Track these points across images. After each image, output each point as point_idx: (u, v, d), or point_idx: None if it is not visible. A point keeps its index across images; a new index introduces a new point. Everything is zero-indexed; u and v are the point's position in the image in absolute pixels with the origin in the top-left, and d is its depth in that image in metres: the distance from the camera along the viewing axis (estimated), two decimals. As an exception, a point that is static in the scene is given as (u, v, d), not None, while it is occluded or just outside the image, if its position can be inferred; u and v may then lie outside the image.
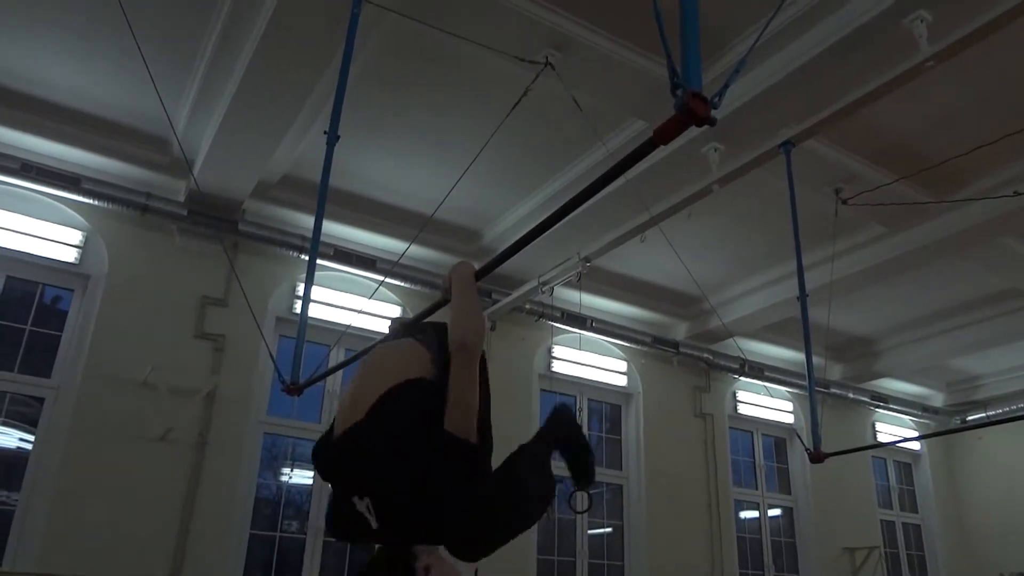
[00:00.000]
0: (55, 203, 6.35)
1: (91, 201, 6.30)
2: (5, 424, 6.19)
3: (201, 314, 6.79)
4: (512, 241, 7.64)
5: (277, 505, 7.17)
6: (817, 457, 5.14)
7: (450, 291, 2.37)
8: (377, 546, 2.12)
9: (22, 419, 6.26)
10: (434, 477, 2.06)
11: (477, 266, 2.46)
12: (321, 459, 2.34)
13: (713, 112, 1.53)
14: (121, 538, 5.95)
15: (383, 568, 2.01)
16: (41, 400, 6.22)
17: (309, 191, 6.80)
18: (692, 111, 1.49)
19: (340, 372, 7.25)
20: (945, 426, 12.15)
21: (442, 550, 2.08)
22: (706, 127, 1.59)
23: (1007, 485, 11.41)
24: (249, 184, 6.54)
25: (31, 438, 6.18)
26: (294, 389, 3.50)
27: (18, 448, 6.23)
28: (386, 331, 3.01)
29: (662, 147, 5.31)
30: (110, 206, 6.37)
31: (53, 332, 6.42)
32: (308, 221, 7.02)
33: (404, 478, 2.05)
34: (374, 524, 2.05)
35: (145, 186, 6.53)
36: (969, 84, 5.54)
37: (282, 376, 3.56)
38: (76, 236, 6.43)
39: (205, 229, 6.62)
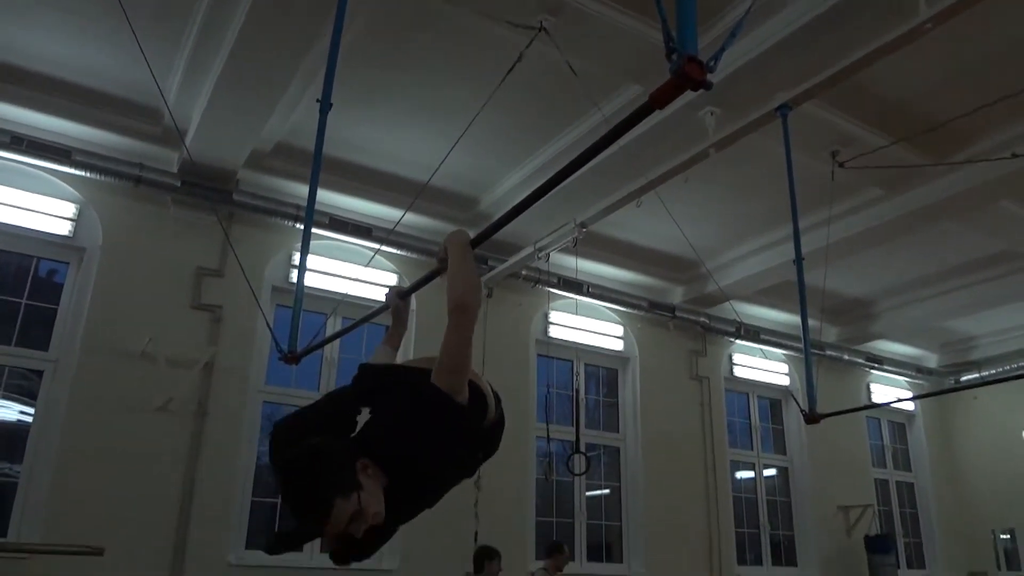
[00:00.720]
0: (47, 176, 6.31)
1: (84, 173, 6.26)
2: (5, 397, 6.22)
3: (197, 285, 6.79)
4: (509, 207, 7.63)
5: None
6: (812, 418, 5.19)
7: (446, 260, 2.37)
8: None
9: (22, 392, 6.30)
10: (412, 421, 2.14)
11: (473, 233, 2.45)
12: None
13: (709, 76, 1.51)
14: (124, 508, 6.02)
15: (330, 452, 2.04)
16: (40, 373, 6.24)
17: (303, 159, 6.75)
18: (688, 75, 1.47)
19: (338, 341, 7.31)
20: (939, 386, 12.24)
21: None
22: (702, 91, 1.58)
23: (1000, 444, 11.56)
24: (242, 153, 6.49)
25: (31, 411, 6.21)
26: (292, 358, 3.50)
27: (18, 421, 6.27)
28: (383, 300, 3.02)
29: (658, 112, 5.27)
30: (103, 178, 6.33)
31: (49, 305, 6.42)
32: (303, 190, 6.97)
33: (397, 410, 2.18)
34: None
35: (138, 157, 6.47)
36: (968, 46, 5.48)
37: (279, 345, 3.56)
38: (70, 209, 6.40)
39: (199, 199, 6.58)
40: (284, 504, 2.12)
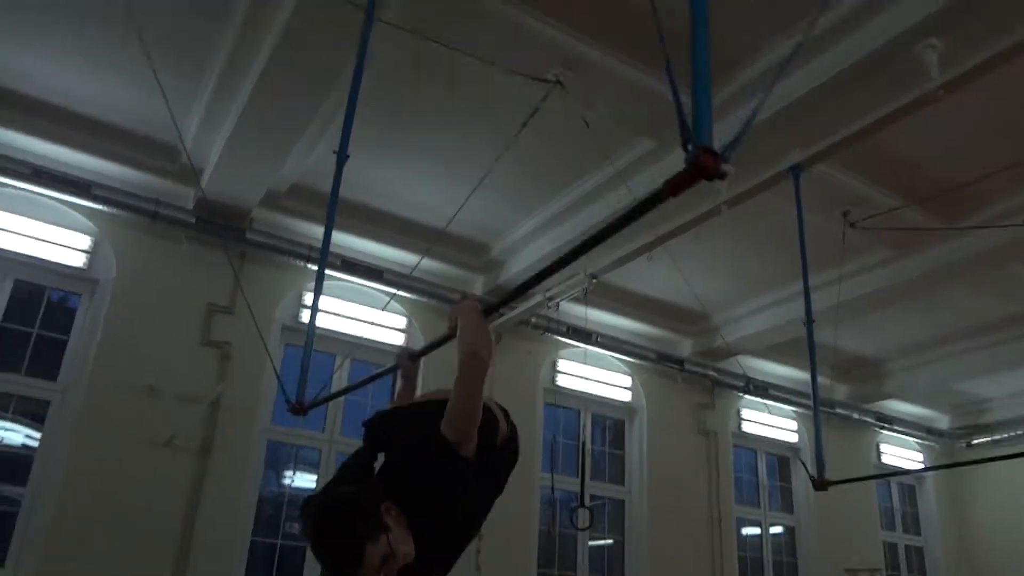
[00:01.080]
0: (65, 208, 6.39)
1: (101, 207, 6.34)
2: (12, 420, 6.23)
3: (208, 321, 6.81)
4: (520, 254, 7.64)
5: (279, 511, 7.18)
6: (821, 485, 5.11)
7: (456, 327, 2.41)
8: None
9: (28, 415, 6.30)
10: (423, 464, 2.23)
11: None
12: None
13: (724, 166, 1.53)
14: (124, 541, 5.97)
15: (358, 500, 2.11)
16: (47, 403, 6.25)
17: (317, 201, 6.83)
18: (703, 166, 1.50)
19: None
20: (950, 449, 12.09)
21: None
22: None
23: (1012, 509, 11.32)
24: (257, 193, 6.57)
25: (37, 435, 6.22)
26: (300, 409, 3.50)
27: (24, 445, 6.27)
28: (391, 344, 3.07)
29: (670, 164, 5.29)
30: (119, 212, 6.41)
31: (60, 336, 6.45)
32: (316, 230, 7.05)
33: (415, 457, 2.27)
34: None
35: (154, 193, 6.55)
36: (980, 111, 5.51)
37: (287, 396, 3.56)
38: (85, 241, 6.47)
39: (212, 237, 6.64)
40: (318, 561, 2.09)
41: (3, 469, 6.14)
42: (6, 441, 6.21)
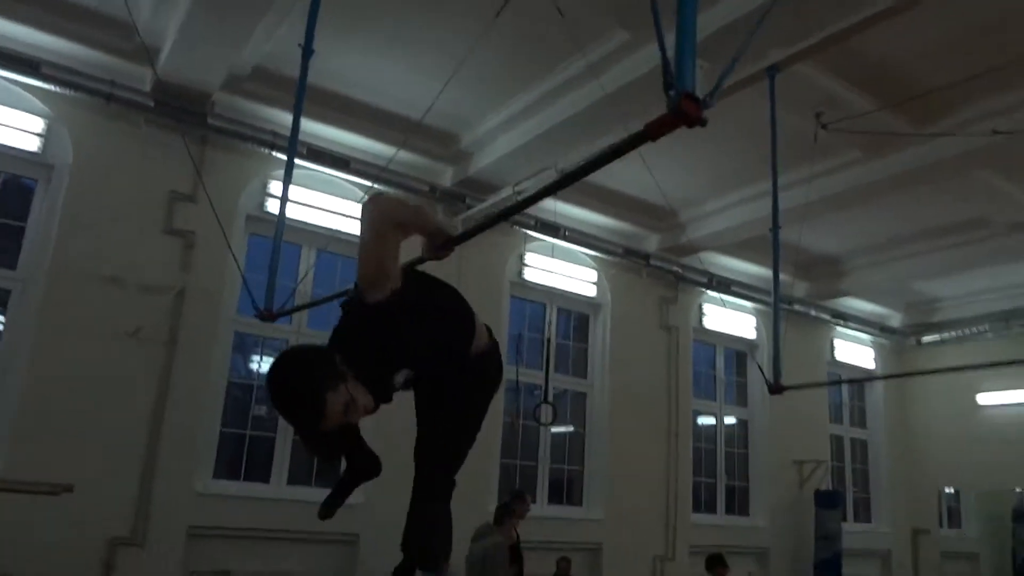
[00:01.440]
0: (15, 88, 6.09)
1: (53, 87, 6.05)
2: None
3: (170, 209, 6.67)
4: (489, 147, 7.50)
5: (248, 398, 7.27)
6: (777, 389, 5.29)
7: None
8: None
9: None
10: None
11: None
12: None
13: (704, 112, 1.52)
14: (92, 435, 6.02)
15: None
16: (8, 292, 6.15)
17: (282, 85, 6.58)
18: (684, 112, 1.50)
19: (311, 275, 7.28)
20: (901, 346, 12.54)
21: None
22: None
23: (955, 406, 11.86)
24: (218, 76, 6.31)
25: (1, 319, 6.15)
26: (269, 316, 3.51)
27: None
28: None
29: (645, 58, 5.17)
30: (73, 93, 6.11)
31: (17, 223, 6.28)
32: (280, 116, 6.84)
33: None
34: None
35: (109, 73, 6.25)
36: (960, 15, 5.44)
37: (255, 302, 3.55)
38: (38, 124, 6.20)
39: (172, 121, 6.40)
40: (283, 418, 2.21)
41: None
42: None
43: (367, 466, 2.68)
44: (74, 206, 6.25)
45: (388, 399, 2.28)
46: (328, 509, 2.66)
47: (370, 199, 2.32)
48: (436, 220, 2.49)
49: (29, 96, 6.15)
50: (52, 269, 6.10)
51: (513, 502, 7.38)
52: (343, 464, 2.76)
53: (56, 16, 5.91)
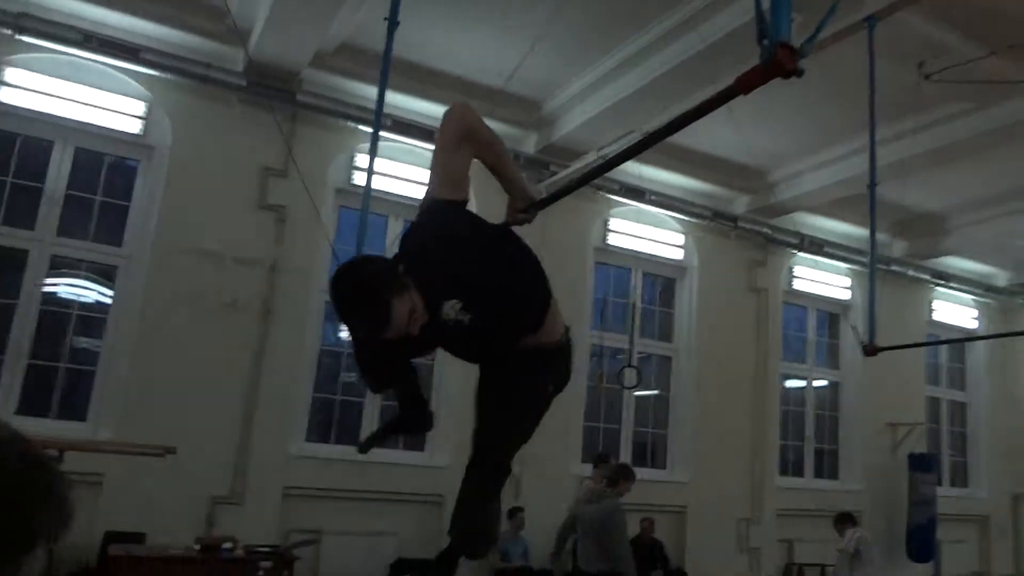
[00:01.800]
0: (117, 74, 6.35)
1: (151, 72, 6.29)
2: (86, 279, 6.53)
3: (263, 185, 6.87)
4: (572, 112, 7.41)
5: (338, 365, 7.49)
6: (872, 351, 5.13)
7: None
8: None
9: (101, 274, 6.57)
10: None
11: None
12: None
13: (800, 62, 1.44)
14: (193, 399, 6.35)
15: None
16: (115, 268, 6.48)
17: (367, 60, 6.64)
18: (780, 63, 1.43)
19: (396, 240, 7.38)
20: (1007, 305, 11.94)
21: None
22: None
23: (1063, 368, 11.27)
24: (306, 54, 6.42)
25: (110, 292, 6.52)
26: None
27: (97, 303, 6.57)
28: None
29: (738, 11, 4.98)
30: (170, 77, 6.35)
31: (122, 202, 6.58)
32: (366, 90, 6.91)
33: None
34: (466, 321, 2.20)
35: (204, 56, 6.46)
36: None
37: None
38: (140, 107, 6.47)
39: (264, 99, 6.55)
40: (349, 327, 2.15)
41: (81, 325, 6.47)
42: (82, 299, 6.50)
43: (418, 416, 2.59)
44: (173, 185, 6.51)
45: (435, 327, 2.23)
46: (365, 446, 2.65)
47: (453, 105, 2.31)
48: (513, 167, 2.46)
49: (130, 81, 6.41)
50: (154, 245, 6.40)
51: (598, 463, 7.39)
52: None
53: (152, 3, 6.11)
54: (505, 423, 2.47)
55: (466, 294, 2.20)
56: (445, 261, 2.17)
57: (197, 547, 5.45)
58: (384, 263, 2.14)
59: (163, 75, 6.32)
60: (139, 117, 6.45)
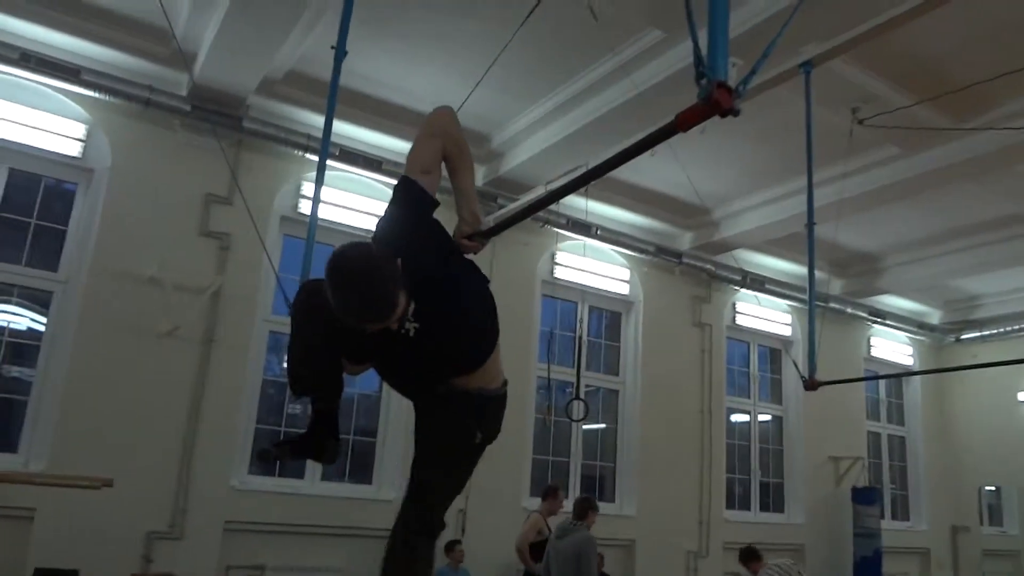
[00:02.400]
0: (56, 94, 6.23)
1: (92, 93, 6.17)
2: (18, 305, 6.32)
3: (206, 211, 6.78)
4: (521, 146, 7.46)
5: (282, 395, 7.36)
6: (811, 385, 5.24)
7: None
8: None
9: (34, 300, 6.37)
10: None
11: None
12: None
13: (736, 102, 1.50)
14: (131, 430, 6.17)
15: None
16: (50, 293, 6.30)
17: (315, 88, 6.66)
18: (717, 102, 1.48)
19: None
20: (940, 343, 12.33)
21: None
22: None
23: (995, 403, 11.66)
24: (253, 80, 6.39)
25: (43, 319, 6.32)
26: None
27: (29, 329, 6.37)
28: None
29: (678, 55, 5.12)
30: (112, 99, 6.24)
31: (58, 226, 6.43)
32: (313, 119, 6.92)
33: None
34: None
35: (148, 79, 6.37)
36: (999, 10, 5.32)
37: (287, 297, 3.58)
38: (79, 129, 6.34)
39: (208, 124, 6.49)
40: (348, 311, 2.08)
41: (12, 352, 6.26)
42: (13, 326, 6.30)
43: (325, 443, 2.48)
44: (113, 209, 6.38)
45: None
46: (264, 454, 2.55)
47: (442, 106, 2.53)
48: (471, 183, 2.56)
49: (70, 102, 6.30)
50: (92, 270, 6.24)
51: (546, 498, 7.42)
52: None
53: (95, 23, 6.04)
54: (434, 480, 2.44)
55: (422, 303, 2.21)
56: (413, 263, 2.18)
57: (131, 584, 5.26)
58: (388, 253, 2.14)
59: (104, 97, 6.21)
60: (78, 139, 6.32)
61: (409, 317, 2.20)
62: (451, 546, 7.12)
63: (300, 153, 7.07)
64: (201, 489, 6.41)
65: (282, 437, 2.64)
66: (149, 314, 6.34)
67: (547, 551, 6.54)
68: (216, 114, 6.55)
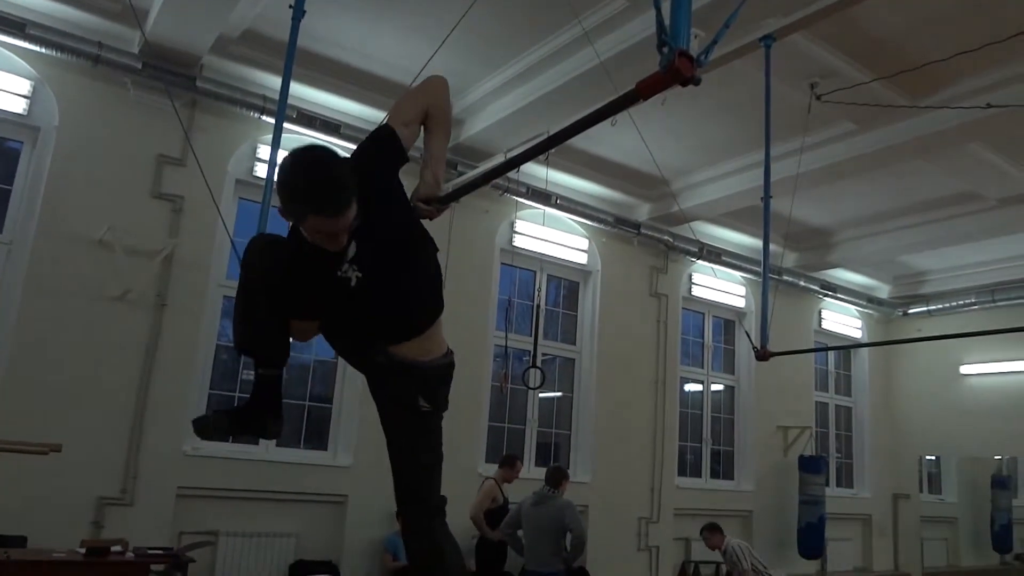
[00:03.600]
0: (0, 49, 5.98)
1: (39, 48, 5.93)
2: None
3: (158, 173, 6.61)
4: (481, 114, 7.43)
5: (236, 362, 7.28)
6: (763, 356, 5.34)
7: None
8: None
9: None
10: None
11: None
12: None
13: (697, 72, 1.50)
14: (80, 396, 6.05)
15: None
16: (-7, 254, 6.12)
17: (272, 49, 6.51)
18: (678, 70, 1.48)
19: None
20: (887, 317, 12.67)
21: None
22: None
23: (937, 375, 12.04)
24: (208, 38, 6.21)
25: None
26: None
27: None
28: None
29: (641, 27, 5.13)
30: (59, 54, 6.01)
31: (3, 186, 6.22)
32: (270, 80, 6.78)
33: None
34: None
35: (96, 35, 6.15)
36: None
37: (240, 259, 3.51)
38: (24, 85, 6.10)
39: (161, 84, 6.30)
40: (302, 198, 2.08)
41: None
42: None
43: (268, 414, 2.46)
44: (60, 169, 6.19)
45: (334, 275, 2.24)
46: (201, 422, 2.47)
47: (438, 76, 2.58)
48: (442, 150, 2.57)
49: (14, 57, 6.06)
50: (39, 232, 6.06)
51: (503, 465, 7.51)
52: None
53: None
54: (412, 477, 2.45)
55: (371, 251, 2.23)
56: (370, 201, 2.21)
57: (82, 550, 5.19)
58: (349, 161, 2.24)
59: (51, 52, 5.98)
60: (24, 96, 6.09)
61: (352, 259, 2.22)
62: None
63: (256, 115, 6.91)
64: (153, 455, 6.33)
65: (222, 414, 2.56)
66: (99, 278, 6.19)
67: (517, 516, 6.79)
68: (169, 73, 6.36)
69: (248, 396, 2.50)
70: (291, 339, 2.43)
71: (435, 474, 2.48)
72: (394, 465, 2.45)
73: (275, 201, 5.25)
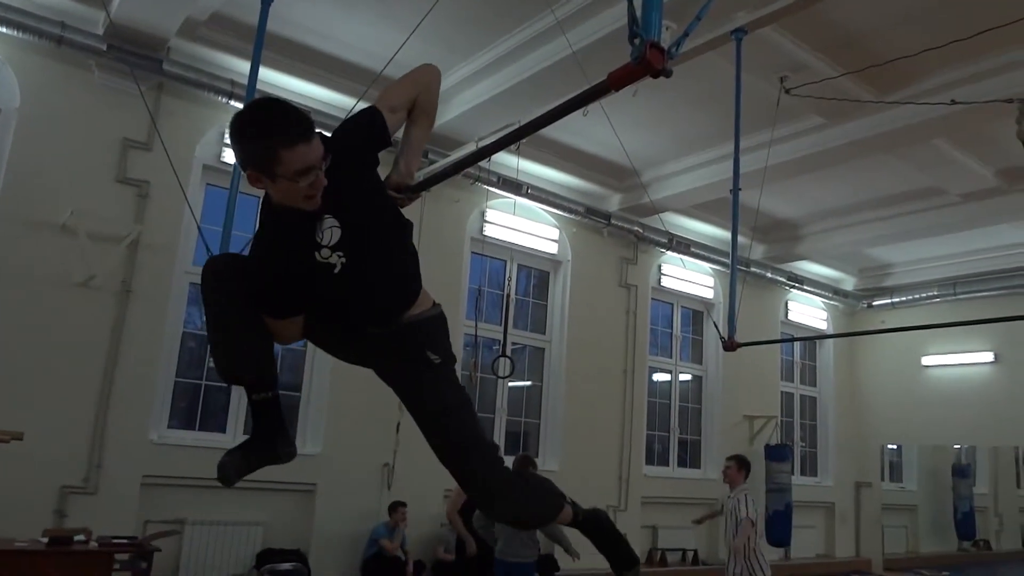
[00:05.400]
0: (-42, 27, 5.83)
1: (0, 28, 5.79)
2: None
3: (123, 157, 6.50)
4: (453, 101, 7.40)
5: (203, 349, 7.21)
6: (731, 346, 5.40)
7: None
8: None
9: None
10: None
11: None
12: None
13: (668, 63, 1.51)
14: (43, 384, 5.96)
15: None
16: (-48, 238, 5.97)
17: (241, 32, 6.42)
18: (649, 62, 1.49)
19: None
20: (852, 308, 12.87)
21: None
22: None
23: (900, 367, 12.29)
24: (175, 21, 6.11)
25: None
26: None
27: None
28: None
29: (612, 18, 5.14)
30: (21, 35, 5.87)
31: (-39, 168, 6.08)
32: (238, 64, 6.68)
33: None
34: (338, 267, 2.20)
35: (60, 15, 6.01)
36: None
37: (209, 249, 3.49)
38: (-17, 65, 5.97)
39: (126, 66, 6.17)
40: (258, 127, 2.00)
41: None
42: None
43: (276, 439, 2.41)
44: (21, 152, 6.06)
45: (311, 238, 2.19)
46: (224, 473, 2.35)
47: (426, 64, 2.56)
48: (422, 140, 2.55)
49: (-27, 35, 5.91)
50: (0, 216, 5.93)
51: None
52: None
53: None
54: (459, 434, 2.39)
55: (352, 234, 2.20)
56: (352, 189, 2.20)
57: (45, 540, 5.12)
58: None
59: (12, 32, 5.83)
60: (-17, 76, 5.96)
61: (335, 245, 2.17)
62: (395, 506, 7.17)
63: (224, 100, 6.82)
64: (118, 443, 6.25)
65: (236, 452, 2.47)
66: (62, 263, 6.08)
67: None
68: (135, 56, 6.23)
69: (252, 429, 2.44)
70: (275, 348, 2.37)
71: (478, 427, 2.45)
72: (442, 443, 2.39)
73: (243, 187, 5.19)
